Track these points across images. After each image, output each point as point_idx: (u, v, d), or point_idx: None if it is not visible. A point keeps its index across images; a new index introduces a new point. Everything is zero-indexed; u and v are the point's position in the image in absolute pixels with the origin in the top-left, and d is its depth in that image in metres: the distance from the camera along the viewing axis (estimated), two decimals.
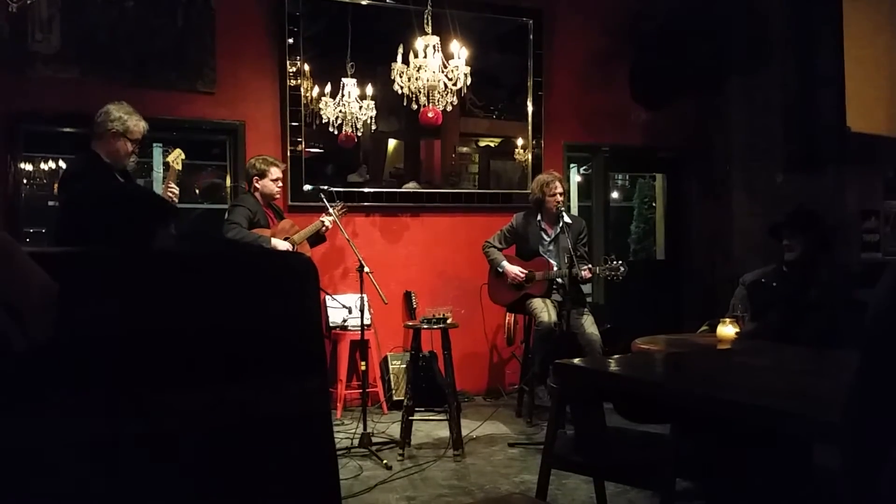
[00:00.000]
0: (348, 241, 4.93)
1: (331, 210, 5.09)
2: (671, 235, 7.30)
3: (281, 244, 4.87)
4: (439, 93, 4.69)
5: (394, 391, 5.62)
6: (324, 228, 5.15)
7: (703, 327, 4.50)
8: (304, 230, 5.10)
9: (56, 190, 6.76)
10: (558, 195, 5.21)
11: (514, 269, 5.20)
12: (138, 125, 3.72)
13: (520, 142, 6.40)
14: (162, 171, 3.88)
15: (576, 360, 3.22)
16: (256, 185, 4.96)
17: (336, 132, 5.54)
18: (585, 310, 5.15)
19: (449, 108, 4.82)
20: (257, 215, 4.87)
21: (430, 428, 4.93)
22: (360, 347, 4.76)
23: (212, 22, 5.39)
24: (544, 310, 5.00)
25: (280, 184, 5.09)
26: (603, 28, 6.52)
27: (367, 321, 4.71)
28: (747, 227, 6.34)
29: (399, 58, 4.66)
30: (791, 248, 4.11)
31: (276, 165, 5.04)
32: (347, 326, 5.34)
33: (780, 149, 6.08)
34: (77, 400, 1.54)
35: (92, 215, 2.02)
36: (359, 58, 5.66)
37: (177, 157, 4.05)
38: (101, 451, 1.48)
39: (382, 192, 5.91)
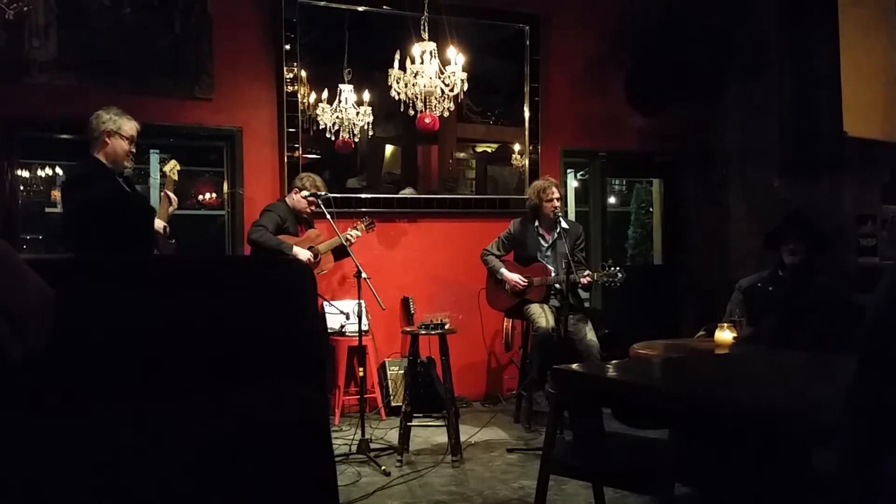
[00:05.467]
0: (346, 246, 4.93)
1: (333, 228, 5.06)
2: (668, 240, 7.30)
3: (303, 252, 4.98)
4: (436, 98, 4.70)
5: (392, 397, 5.62)
6: (348, 242, 5.09)
7: (701, 332, 4.50)
8: (329, 241, 5.18)
9: (56, 196, 6.76)
10: (555, 200, 5.20)
11: (515, 277, 5.19)
12: (130, 123, 3.80)
13: (517, 147, 6.40)
14: (159, 177, 3.95)
15: (574, 366, 3.22)
16: (293, 196, 5.11)
17: (333, 138, 5.55)
18: (583, 315, 5.15)
19: (446, 114, 4.83)
20: (287, 222, 5.09)
21: (429, 434, 4.92)
22: (358, 353, 4.76)
23: (209, 29, 5.40)
24: (542, 315, 4.99)
25: (314, 208, 5.07)
26: (599, 33, 6.53)
27: (364, 327, 4.71)
28: (744, 232, 6.34)
29: (396, 64, 4.67)
30: (792, 251, 4.13)
31: (319, 189, 5.02)
32: (345, 332, 5.34)
33: (776, 153, 6.08)
34: (75, 404, 1.53)
35: (101, 219, 2.03)
36: (356, 64, 5.67)
37: (172, 167, 4.16)
38: (99, 454, 1.48)
39: (380, 197, 5.91)
